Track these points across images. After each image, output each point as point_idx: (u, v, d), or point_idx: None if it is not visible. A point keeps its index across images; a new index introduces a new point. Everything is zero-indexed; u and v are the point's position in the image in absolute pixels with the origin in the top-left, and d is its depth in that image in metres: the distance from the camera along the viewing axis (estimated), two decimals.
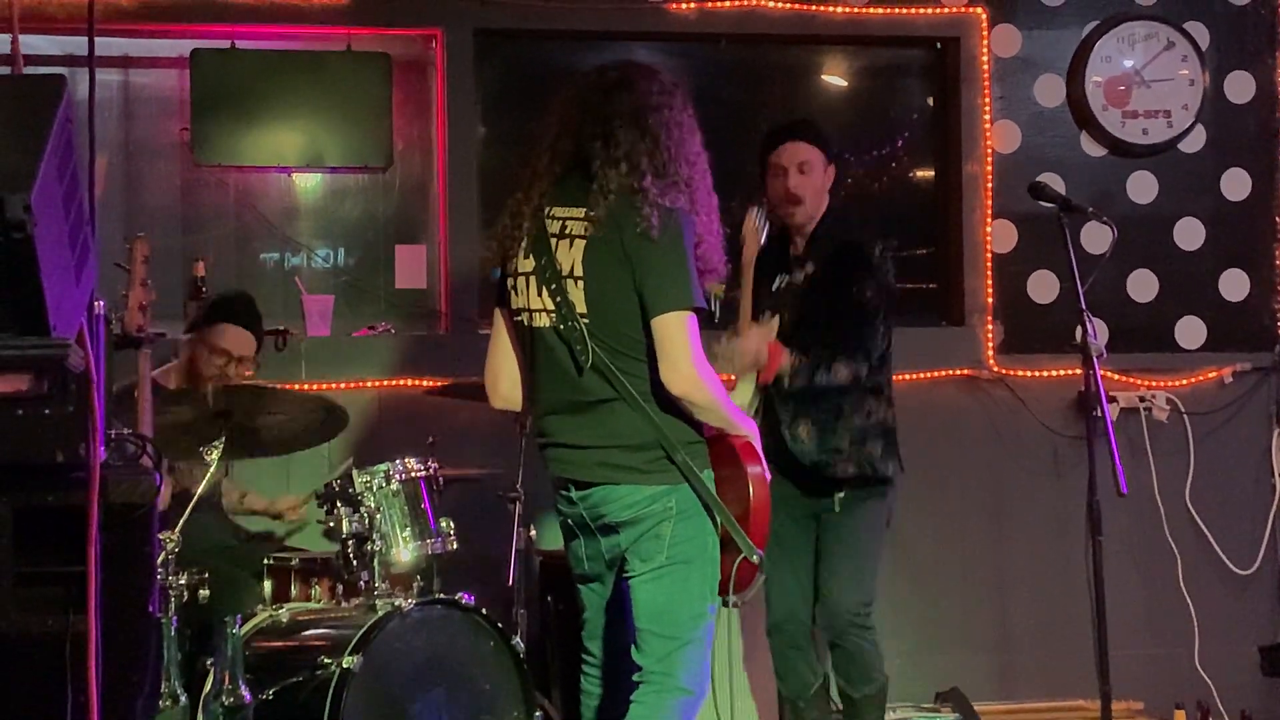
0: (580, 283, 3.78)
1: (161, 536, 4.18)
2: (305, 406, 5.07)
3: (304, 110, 6.04)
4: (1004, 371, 6.39)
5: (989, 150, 6.45)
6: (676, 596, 3.79)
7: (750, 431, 3.92)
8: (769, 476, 3.88)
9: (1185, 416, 6.49)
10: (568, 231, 3.83)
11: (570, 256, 3.79)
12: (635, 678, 3.80)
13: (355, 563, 4.71)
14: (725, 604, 3.87)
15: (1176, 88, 6.53)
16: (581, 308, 3.78)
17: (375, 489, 4.77)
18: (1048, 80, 6.51)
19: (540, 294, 3.83)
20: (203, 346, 5.24)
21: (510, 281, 3.92)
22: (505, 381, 4.02)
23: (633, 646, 3.82)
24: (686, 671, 3.78)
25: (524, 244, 3.87)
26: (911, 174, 6.73)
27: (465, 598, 4.64)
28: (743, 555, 3.80)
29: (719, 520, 3.79)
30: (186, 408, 4.75)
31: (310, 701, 4.34)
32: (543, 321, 3.84)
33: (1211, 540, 6.47)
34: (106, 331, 3.32)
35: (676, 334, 3.71)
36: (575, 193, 3.82)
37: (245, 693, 4.21)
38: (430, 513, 4.86)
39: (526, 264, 3.86)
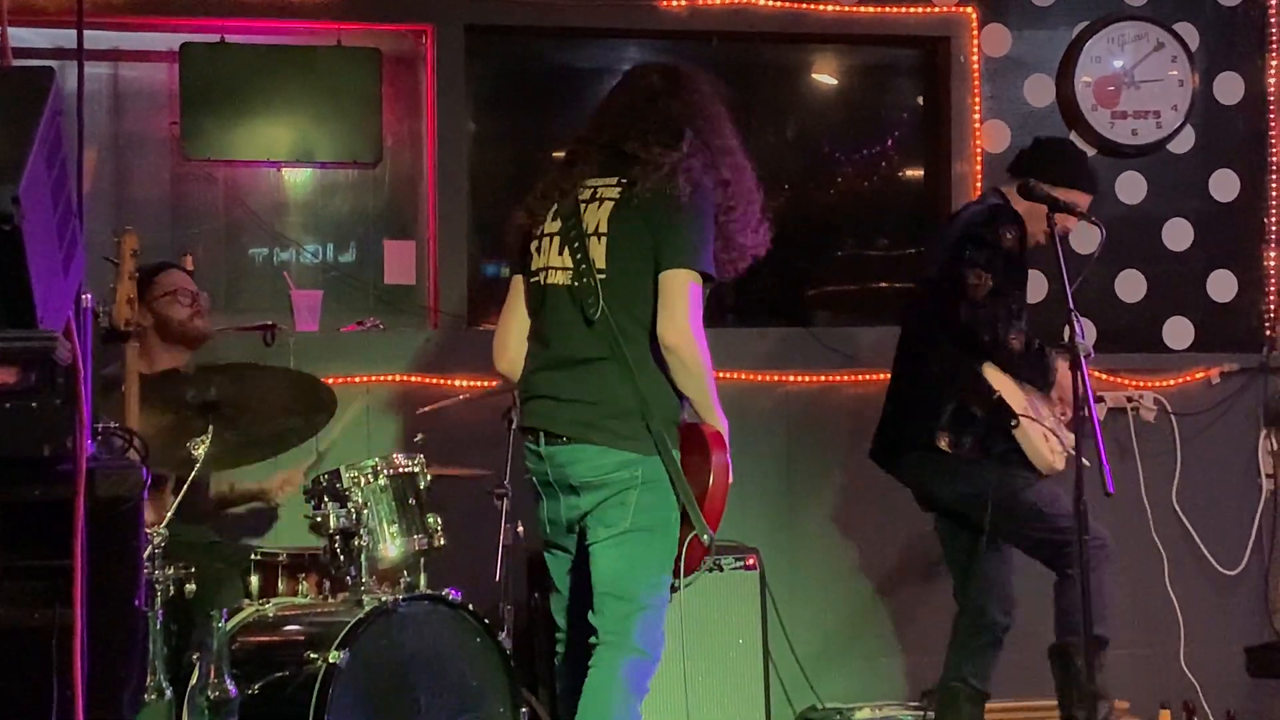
0: (604, 239, 3.92)
1: (148, 530, 4.16)
2: (289, 381, 5.04)
3: (294, 105, 6.04)
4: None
5: (979, 150, 6.45)
6: (637, 563, 3.92)
7: (723, 424, 4.00)
8: (731, 469, 3.98)
9: (1172, 417, 6.50)
10: (598, 195, 3.99)
11: (597, 216, 3.95)
12: (592, 640, 3.95)
13: (342, 558, 4.70)
14: (673, 588, 3.97)
15: (1166, 88, 6.54)
16: (601, 263, 3.91)
17: (363, 484, 4.76)
18: (1037, 80, 6.52)
19: (562, 252, 3.97)
20: (158, 299, 5.23)
21: (535, 244, 4.04)
22: (514, 344, 4.12)
23: (592, 612, 3.94)
24: (641, 635, 3.92)
25: (554, 209, 4.03)
26: (901, 173, 6.73)
27: (452, 594, 4.64)
28: (694, 533, 3.91)
29: (680, 496, 3.90)
30: (170, 408, 4.71)
31: (296, 696, 4.33)
32: (558, 279, 3.97)
33: (1198, 540, 6.49)
34: (94, 325, 3.31)
35: (681, 289, 3.84)
36: (614, 168, 3.99)
37: (231, 687, 4.20)
38: (418, 508, 4.85)
39: (553, 226, 4.01)
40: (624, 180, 3.96)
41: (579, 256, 3.92)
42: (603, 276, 3.90)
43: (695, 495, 3.92)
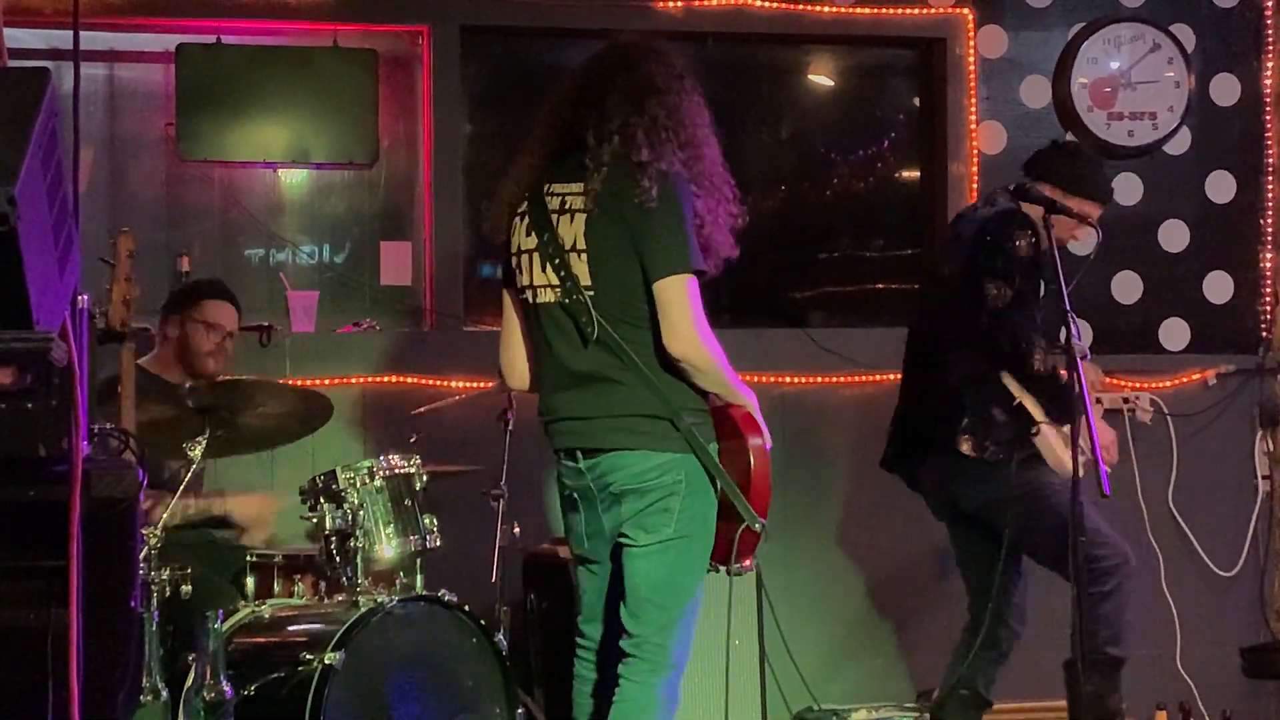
0: (584, 255, 3.81)
1: (144, 531, 4.16)
2: (288, 398, 5.06)
3: (290, 106, 6.04)
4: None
5: (975, 151, 6.46)
6: (679, 570, 3.84)
7: (750, 400, 3.93)
8: (769, 446, 3.89)
9: (1169, 418, 6.50)
10: (568, 207, 3.86)
11: (572, 231, 3.83)
12: (626, 646, 3.85)
13: (338, 559, 4.69)
14: (729, 573, 3.92)
15: (1162, 90, 6.54)
16: (586, 280, 3.81)
17: (359, 485, 4.76)
18: (1034, 81, 6.52)
19: (545, 270, 3.86)
20: (194, 323, 5.25)
21: (514, 260, 3.94)
22: (519, 359, 4.06)
23: (627, 616, 3.85)
24: (678, 644, 3.85)
25: (525, 222, 3.90)
26: (897, 174, 6.73)
27: (448, 595, 4.64)
28: (745, 524, 3.82)
29: (719, 488, 3.82)
30: (169, 405, 4.74)
31: (292, 697, 4.32)
32: (547, 297, 3.87)
33: (1194, 542, 6.49)
34: (90, 326, 3.31)
35: (677, 297, 3.75)
36: (574, 169, 3.85)
37: (227, 688, 4.19)
38: (414, 509, 4.85)
39: (529, 241, 3.89)
40: (589, 187, 3.82)
41: (563, 274, 3.83)
42: (591, 294, 3.81)
43: (738, 484, 3.84)
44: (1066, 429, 5.05)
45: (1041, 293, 5.13)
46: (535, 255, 3.88)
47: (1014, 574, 5.25)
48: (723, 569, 3.93)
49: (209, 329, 5.26)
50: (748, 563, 3.94)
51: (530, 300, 3.91)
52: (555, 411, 3.94)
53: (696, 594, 3.89)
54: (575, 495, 3.96)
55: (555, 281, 3.84)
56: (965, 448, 5.10)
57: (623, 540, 3.87)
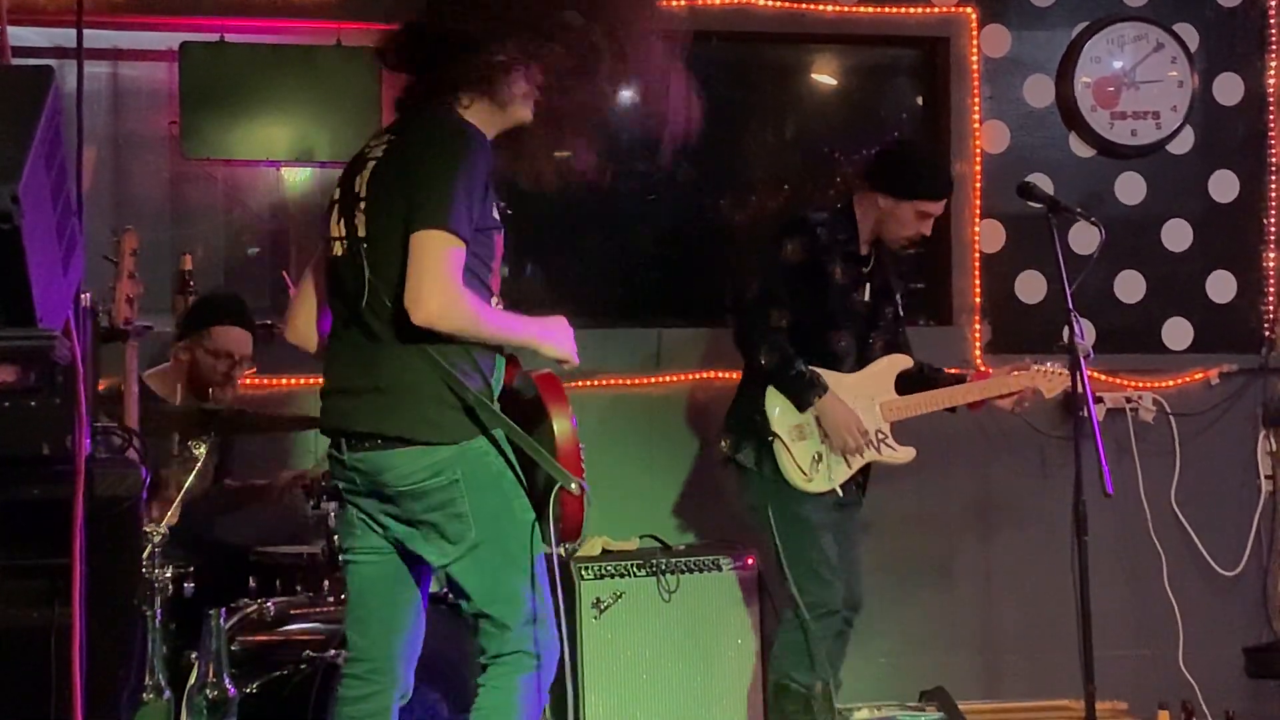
0: (363, 204, 3.54)
1: (147, 529, 4.16)
2: (288, 425, 5.06)
3: (293, 104, 6.03)
4: (991, 371, 6.39)
5: (978, 150, 6.45)
6: (501, 568, 3.53)
7: (536, 334, 3.61)
8: (568, 405, 3.59)
9: (1171, 417, 6.50)
10: (369, 154, 3.64)
11: (363, 178, 3.59)
12: (483, 660, 3.60)
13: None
14: (563, 551, 3.76)
15: (1165, 89, 6.54)
16: (362, 231, 3.53)
17: None
18: (1037, 81, 6.52)
19: (339, 222, 3.60)
20: (203, 351, 5.20)
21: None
22: (302, 312, 3.79)
23: (480, 634, 3.59)
24: (535, 639, 3.56)
25: (343, 172, 3.70)
26: None
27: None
28: (558, 486, 3.46)
29: (528, 454, 3.48)
30: (153, 423, 4.71)
31: (295, 696, 4.33)
32: (337, 250, 3.61)
33: (1197, 541, 6.49)
34: (94, 324, 3.31)
35: (426, 254, 3.36)
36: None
37: (230, 686, 4.19)
38: None
39: (336, 193, 3.68)
40: (389, 134, 3.61)
41: (349, 226, 3.54)
42: (366, 247, 3.49)
43: (545, 448, 3.48)
44: (808, 444, 5.10)
45: (811, 305, 5.17)
46: (337, 206, 3.65)
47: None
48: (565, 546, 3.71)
49: (217, 357, 5.21)
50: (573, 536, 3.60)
51: (325, 255, 3.68)
52: (326, 380, 3.65)
53: (532, 581, 3.55)
54: (344, 487, 3.66)
55: (344, 234, 3.58)
56: (724, 444, 5.29)
57: (424, 557, 3.59)
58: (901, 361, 5.33)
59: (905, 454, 5.29)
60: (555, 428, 3.53)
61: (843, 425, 5.12)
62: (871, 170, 5.34)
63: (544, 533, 3.52)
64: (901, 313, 5.44)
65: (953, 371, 5.53)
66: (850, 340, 5.25)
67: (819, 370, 5.14)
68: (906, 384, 5.34)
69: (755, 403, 5.17)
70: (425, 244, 3.37)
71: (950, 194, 5.36)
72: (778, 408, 5.14)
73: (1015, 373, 5.30)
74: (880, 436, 5.22)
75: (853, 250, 5.25)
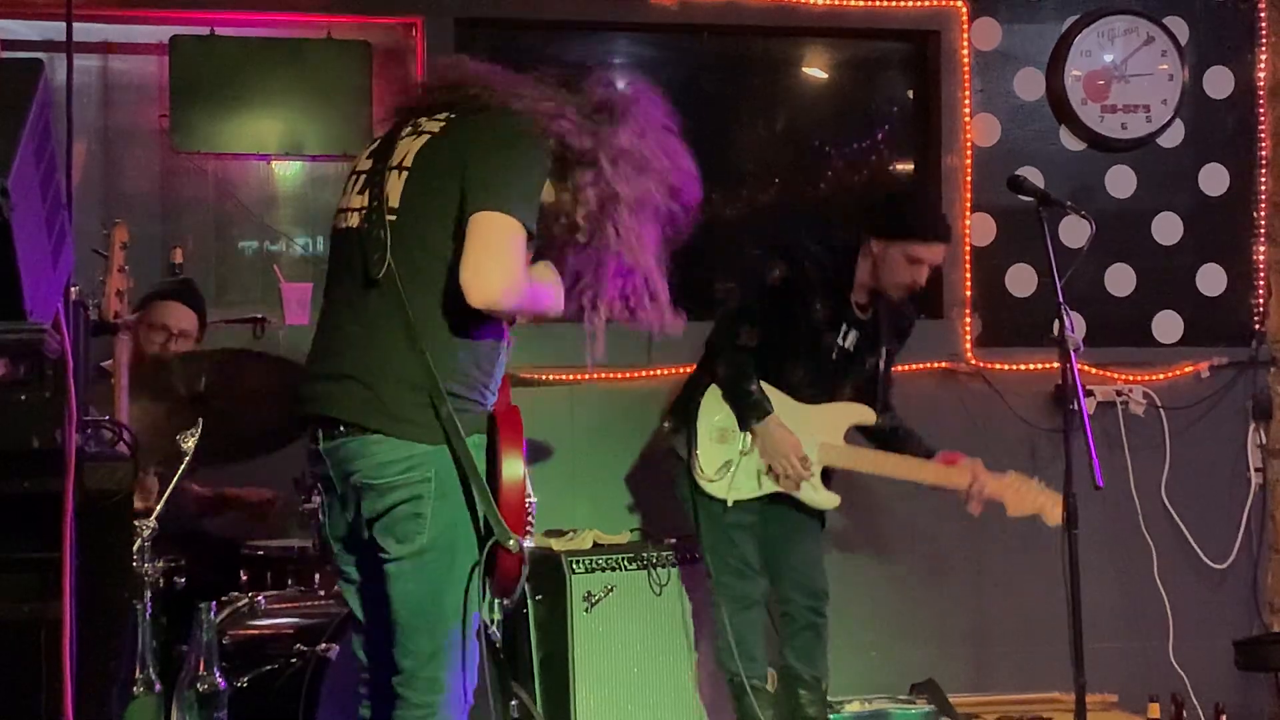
0: (405, 174, 3.32)
1: (137, 523, 4.16)
2: (278, 370, 5.00)
3: (284, 98, 6.03)
4: (982, 364, 6.41)
5: (968, 143, 6.45)
6: (441, 585, 3.28)
7: (556, 289, 3.39)
8: (523, 453, 3.32)
9: (1162, 411, 6.51)
10: (420, 129, 3.40)
11: (407, 148, 3.36)
12: (396, 686, 3.33)
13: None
14: (501, 603, 3.59)
15: (1156, 82, 6.55)
16: (394, 200, 3.30)
17: None
18: (1027, 74, 6.52)
19: (362, 192, 3.38)
20: (144, 327, 5.19)
21: (345, 184, 3.52)
22: None
23: (396, 649, 3.32)
24: (452, 675, 3.30)
25: (373, 146, 3.49)
26: (891, 166, 6.73)
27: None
28: (494, 540, 3.24)
29: (476, 495, 3.25)
30: (160, 400, 4.71)
31: (285, 689, 4.33)
32: (351, 222, 3.39)
33: (1187, 534, 6.50)
34: (84, 317, 3.31)
35: (496, 234, 3.18)
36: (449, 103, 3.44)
37: (220, 680, 4.19)
38: None
39: (366, 164, 3.45)
40: (451, 116, 3.36)
41: (374, 192, 3.31)
42: (393, 219, 3.28)
43: (492, 490, 3.26)
44: (724, 449, 5.21)
45: (782, 334, 5.19)
46: (362, 177, 3.43)
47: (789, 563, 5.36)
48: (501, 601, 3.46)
49: (152, 330, 5.19)
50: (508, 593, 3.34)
51: (336, 226, 3.48)
52: (308, 364, 3.45)
53: (468, 613, 3.29)
54: (321, 486, 3.48)
55: (364, 204, 3.35)
56: (665, 422, 5.42)
57: (380, 553, 3.33)
58: (861, 413, 5.31)
59: (827, 498, 5.29)
60: (504, 471, 3.28)
61: (782, 449, 5.14)
62: (867, 213, 5.40)
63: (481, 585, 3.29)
64: (884, 368, 5.38)
65: (924, 444, 5.38)
66: (809, 375, 5.24)
67: (772, 390, 5.17)
68: (871, 440, 5.38)
69: (698, 390, 5.25)
70: (495, 224, 3.19)
71: (944, 241, 5.25)
72: (716, 408, 5.20)
73: (986, 476, 5.17)
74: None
75: (843, 292, 5.24)
